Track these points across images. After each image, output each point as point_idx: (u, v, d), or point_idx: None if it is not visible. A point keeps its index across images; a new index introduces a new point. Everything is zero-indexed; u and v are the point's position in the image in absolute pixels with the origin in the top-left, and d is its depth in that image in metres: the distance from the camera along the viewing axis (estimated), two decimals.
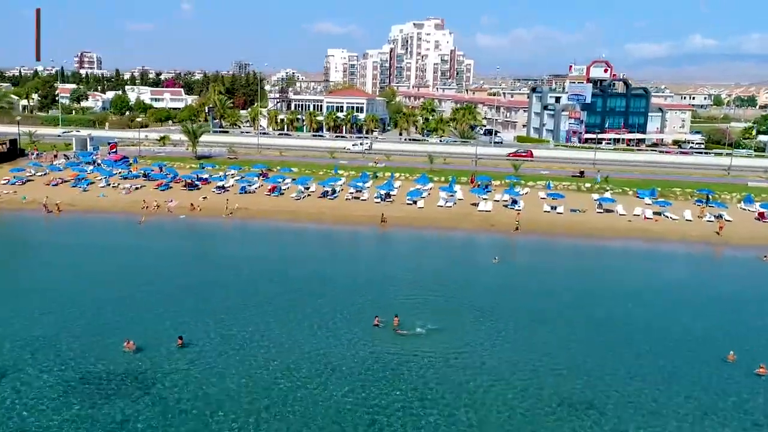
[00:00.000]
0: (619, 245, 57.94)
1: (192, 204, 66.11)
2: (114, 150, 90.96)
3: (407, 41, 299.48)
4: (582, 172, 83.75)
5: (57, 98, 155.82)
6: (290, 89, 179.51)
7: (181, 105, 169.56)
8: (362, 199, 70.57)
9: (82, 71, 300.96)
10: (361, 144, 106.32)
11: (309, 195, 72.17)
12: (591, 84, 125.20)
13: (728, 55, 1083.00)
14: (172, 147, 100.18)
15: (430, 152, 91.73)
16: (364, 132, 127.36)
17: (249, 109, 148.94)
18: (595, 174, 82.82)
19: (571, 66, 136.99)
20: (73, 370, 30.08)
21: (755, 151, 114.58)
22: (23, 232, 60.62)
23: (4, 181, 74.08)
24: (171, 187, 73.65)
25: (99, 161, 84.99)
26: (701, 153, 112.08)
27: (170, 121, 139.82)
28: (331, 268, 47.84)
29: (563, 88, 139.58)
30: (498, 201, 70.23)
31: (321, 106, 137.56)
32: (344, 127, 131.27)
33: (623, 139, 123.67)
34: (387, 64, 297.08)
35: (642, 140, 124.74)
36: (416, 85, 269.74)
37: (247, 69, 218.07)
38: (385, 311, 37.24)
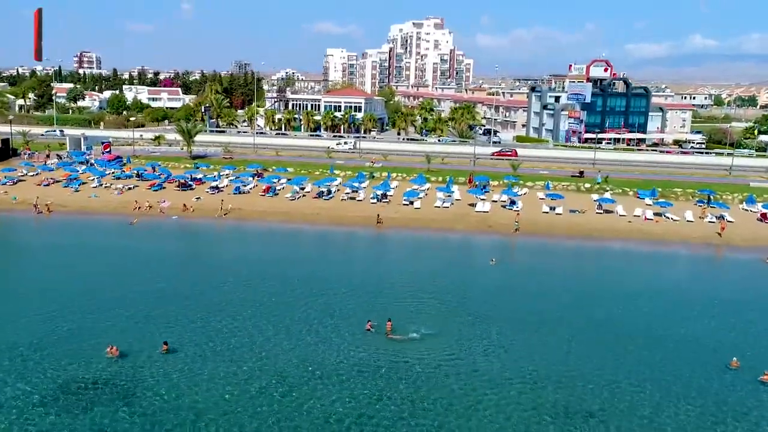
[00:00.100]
0: (619, 246, 56.86)
1: (185, 204, 65.04)
2: (107, 150, 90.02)
3: (407, 41, 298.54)
4: (582, 172, 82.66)
5: (53, 97, 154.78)
6: (288, 89, 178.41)
7: (178, 105, 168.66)
8: (358, 200, 69.57)
9: (81, 71, 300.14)
10: (345, 143, 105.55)
11: (304, 195, 71.16)
12: (591, 83, 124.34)
13: (728, 55, 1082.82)
14: (168, 147, 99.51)
15: (428, 152, 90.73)
16: (362, 132, 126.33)
17: (246, 109, 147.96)
18: (595, 174, 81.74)
19: (570, 65, 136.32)
20: (51, 377, 28.98)
21: (756, 151, 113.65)
22: (11, 233, 59.48)
23: None
24: (164, 188, 72.68)
25: (92, 161, 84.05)
26: (702, 153, 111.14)
27: (167, 121, 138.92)
28: (325, 270, 46.70)
29: (563, 88, 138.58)
30: (496, 201, 69.21)
31: (319, 105, 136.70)
32: (342, 127, 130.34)
33: (623, 139, 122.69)
34: (386, 64, 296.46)
35: (642, 140, 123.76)
36: (415, 85, 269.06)
37: (247, 69, 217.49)
38: (378, 315, 36.20)
